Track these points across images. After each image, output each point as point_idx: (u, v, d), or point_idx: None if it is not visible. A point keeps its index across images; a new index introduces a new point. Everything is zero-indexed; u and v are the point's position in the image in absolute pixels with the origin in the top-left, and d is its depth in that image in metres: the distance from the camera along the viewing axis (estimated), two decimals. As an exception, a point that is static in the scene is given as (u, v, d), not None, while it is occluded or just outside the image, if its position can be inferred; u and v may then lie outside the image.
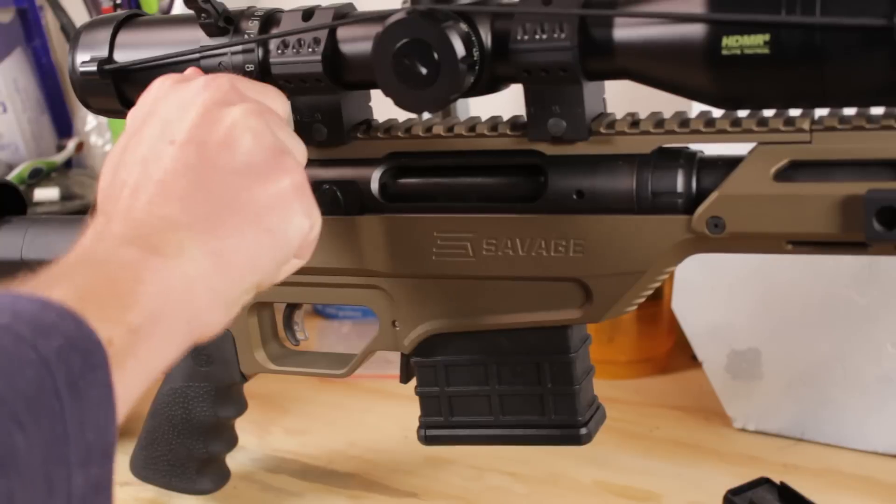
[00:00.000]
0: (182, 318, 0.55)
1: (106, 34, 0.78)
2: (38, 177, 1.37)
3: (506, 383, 0.75)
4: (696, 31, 0.60)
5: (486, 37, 0.68)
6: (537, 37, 0.65)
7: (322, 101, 0.74)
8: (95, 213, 0.62)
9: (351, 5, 0.74)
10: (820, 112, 0.63)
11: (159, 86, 0.66)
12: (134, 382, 0.51)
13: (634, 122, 0.68)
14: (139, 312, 0.52)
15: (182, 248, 0.56)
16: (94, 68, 0.77)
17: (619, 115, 0.70)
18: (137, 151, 0.61)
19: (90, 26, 0.79)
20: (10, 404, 0.44)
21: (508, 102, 0.78)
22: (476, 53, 0.67)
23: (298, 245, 0.63)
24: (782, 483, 0.78)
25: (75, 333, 0.48)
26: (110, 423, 0.48)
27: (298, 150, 0.66)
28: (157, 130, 0.62)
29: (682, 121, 0.67)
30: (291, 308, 0.85)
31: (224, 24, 0.74)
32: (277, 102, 0.68)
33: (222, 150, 0.60)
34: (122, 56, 0.77)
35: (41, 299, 0.49)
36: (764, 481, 0.79)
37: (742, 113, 0.65)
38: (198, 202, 0.58)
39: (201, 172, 0.59)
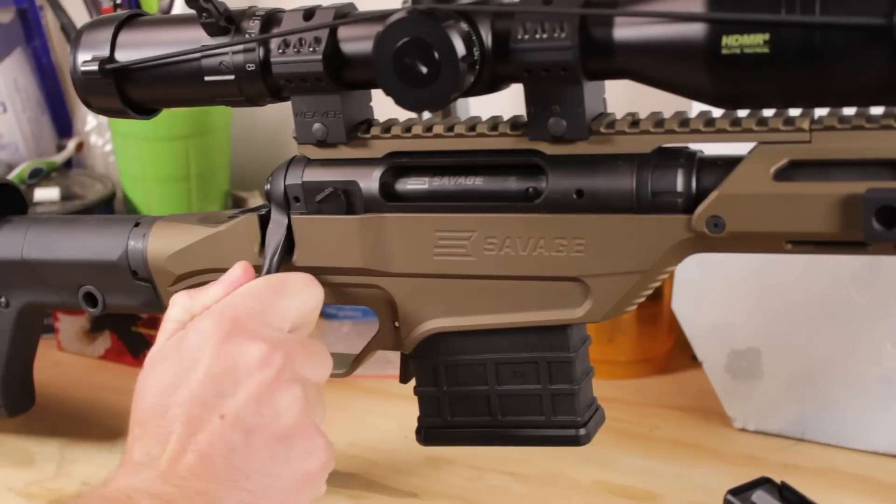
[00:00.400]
0: None
1: (107, 34, 0.78)
2: (39, 177, 1.37)
3: (505, 383, 0.75)
4: (696, 30, 0.60)
5: (487, 36, 0.68)
6: (538, 36, 0.65)
7: (322, 101, 0.74)
8: (134, 428, 0.64)
9: (352, 5, 0.74)
10: (820, 112, 0.63)
11: (212, 323, 0.65)
12: None
13: (634, 121, 0.68)
14: None
15: None
16: (95, 67, 0.77)
17: (619, 115, 0.70)
18: (184, 403, 0.63)
19: (92, 26, 0.79)
20: None
21: (509, 102, 0.78)
22: (476, 53, 0.67)
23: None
24: (783, 483, 0.78)
25: None
26: None
27: (323, 420, 0.68)
28: (207, 390, 0.63)
29: (682, 120, 0.67)
30: (291, 308, 0.85)
31: (225, 23, 0.74)
32: (321, 367, 0.69)
33: (266, 435, 0.62)
34: (124, 56, 0.77)
35: None
36: (764, 481, 0.79)
37: (742, 112, 0.65)
38: (235, 484, 0.60)
39: (243, 456, 0.61)
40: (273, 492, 0.62)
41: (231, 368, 0.64)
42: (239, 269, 0.72)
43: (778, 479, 0.79)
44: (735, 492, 0.79)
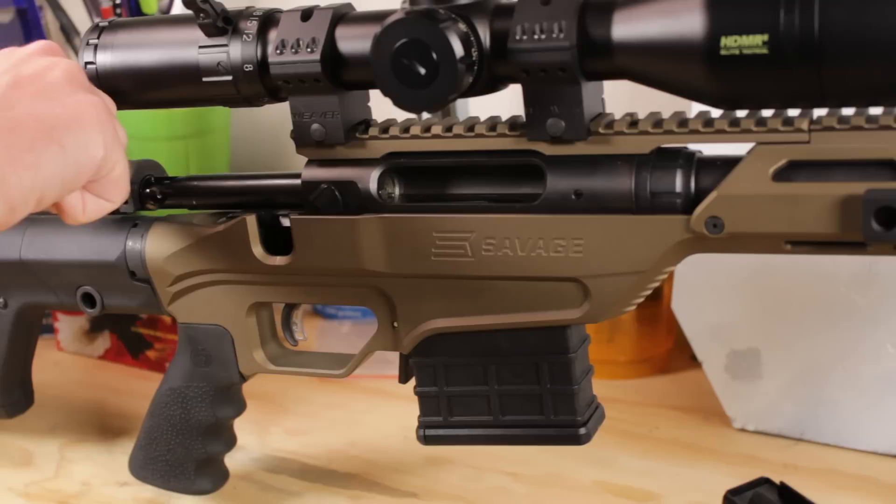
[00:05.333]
0: None
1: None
2: (39, 177, 1.37)
3: (505, 383, 0.75)
4: (695, 30, 0.60)
5: (485, 37, 0.68)
6: (536, 37, 0.65)
7: (321, 101, 0.74)
8: None
9: (350, 5, 0.74)
10: (819, 112, 0.63)
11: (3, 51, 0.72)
12: None
13: (633, 122, 0.68)
14: None
15: None
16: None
17: (617, 115, 0.69)
18: None
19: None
20: None
21: (507, 102, 0.78)
22: (475, 53, 0.67)
23: (88, 172, 0.67)
24: (782, 483, 0.78)
25: None
26: None
27: (108, 99, 0.72)
28: None
29: (681, 121, 0.67)
30: (290, 308, 0.85)
31: (223, 23, 0.74)
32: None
33: (32, 79, 0.67)
34: (123, 55, 0.77)
35: None
36: (764, 481, 0.79)
37: (741, 113, 0.65)
38: (3, 119, 0.64)
39: (7, 94, 0.65)
40: (37, 118, 0.65)
41: (9, 52, 0.71)
42: None
43: (777, 480, 0.79)
44: (734, 492, 0.79)
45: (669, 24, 0.62)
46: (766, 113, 0.65)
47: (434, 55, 0.67)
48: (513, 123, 0.71)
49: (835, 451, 0.92)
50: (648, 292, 0.70)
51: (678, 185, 0.66)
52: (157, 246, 0.84)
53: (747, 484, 0.79)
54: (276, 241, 0.79)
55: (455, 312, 0.75)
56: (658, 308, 1.08)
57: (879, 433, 0.90)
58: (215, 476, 0.90)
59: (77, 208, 0.70)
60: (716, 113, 0.66)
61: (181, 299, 0.85)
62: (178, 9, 1.25)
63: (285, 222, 0.79)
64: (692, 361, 1.05)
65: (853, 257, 0.66)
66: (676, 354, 1.11)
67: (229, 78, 0.75)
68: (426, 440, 0.79)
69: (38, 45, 0.72)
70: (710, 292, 0.94)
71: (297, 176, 0.77)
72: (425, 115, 0.81)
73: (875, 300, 0.87)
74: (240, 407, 0.88)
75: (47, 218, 0.91)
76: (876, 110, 0.62)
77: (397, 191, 0.76)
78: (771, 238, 0.64)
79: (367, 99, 0.77)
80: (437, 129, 0.72)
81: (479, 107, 0.83)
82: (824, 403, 0.92)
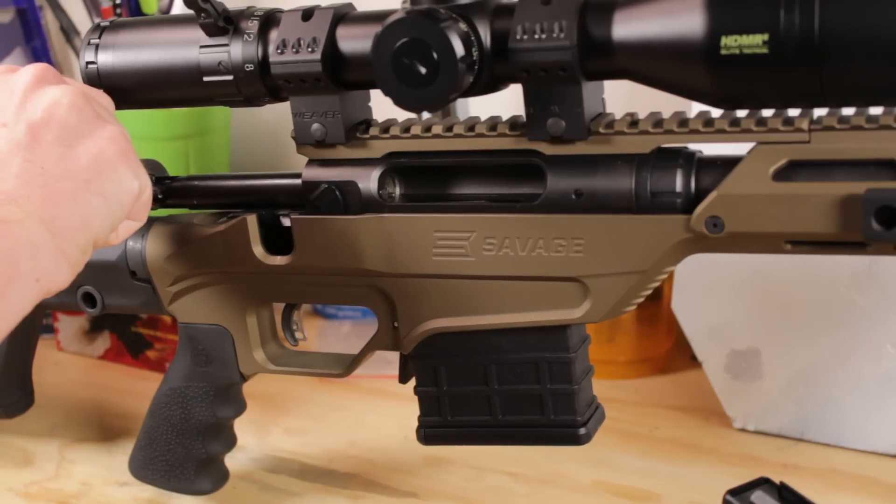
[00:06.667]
0: (30, 273, 0.61)
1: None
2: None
3: (505, 383, 0.75)
4: (695, 30, 0.60)
5: (486, 36, 0.68)
6: (536, 36, 0.65)
7: (321, 101, 0.74)
8: None
9: (350, 5, 0.74)
10: (819, 112, 0.63)
11: None
12: None
13: (633, 121, 0.68)
14: None
15: (23, 216, 0.62)
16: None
17: (618, 115, 0.69)
18: None
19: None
20: None
21: (508, 102, 0.78)
22: (475, 53, 0.67)
23: (130, 206, 0.69)
24: (782, 483, 0.78)
25: None
26: None
27: (118, 124, 0.71)
28: None
29: (681, 121, 0.67)
30: (290, 308, 0.85)
31: (224, 23, 0.74)
32: (100, 94, 0.74)
33: (46, 124, 0.66)
34: (124, 55, 0.77)
35: None
36: (763, 481, 0.79)
37: (741, 113, 0.65)
38: (31, 175, 0.64)
39: (31, 148, 0.65)
40: (71, 175, 0.65)
41: (6, 90, 0.68)
42: None
43: (777, 480, 0.79)
44: (734, 492, 0.79)
45: (670, 24, 0.62)
46: (767, 113, 0.65)
47: (435, 55, 0.67)
48: (513, 123, 0.71)
49: (835, 451, 0.92)
50: (649, 292, 0.70)
51: (678, 185, 0.66)
52: (157, 246, 0.84)
53: (747, 484, 0.79)
54: (277, 240, 0.79)
55: (455, 312, 0.75)
56: (658, 308, 1.08)
57: (879, 433, 0.90)
58: (215, 476, 0.90)
59: (112, 237, 0.71)
60: (716, 113, 0.66)
61: (181, 299, 0.85)
62: (179, 8, 1.25)
63: (286, 222, 0.79)
64: (692, 361, 1.05)
65: (853, 257, 0.66)
66: (676, 354, 1.11)
67: (230, 77, 0.75)
68: (426, 440, 0.79)
69: (31, 74, 0.69)
70: (710, 292, 0.95)
71: (298, 176, 0.77)
72: (426, 115, 0.81)
73: (875, 300, 0.87)
74: (240, 407, 0.88)
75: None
76: (876, 110, 0.62)
77: (398, 190, 0.76)
78: (771, 238, 0.64)
79: (368, 99, 0.77)
80: (437, 129, 0.73)
81: (480, 106, 0.83)
82: (824, 403, 0.92)
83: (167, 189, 0.84)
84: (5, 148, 0.65)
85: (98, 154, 0.67)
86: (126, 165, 0.69)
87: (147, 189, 0.71)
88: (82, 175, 0.66)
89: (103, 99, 0.74)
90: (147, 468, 0.89)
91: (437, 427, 0.78)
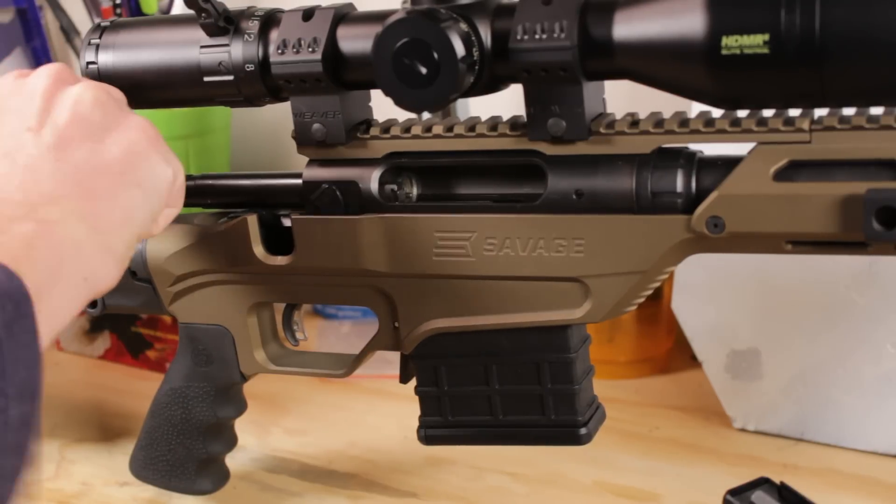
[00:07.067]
0: (77, 274, 0.61)
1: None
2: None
3: (506, 383, 0.75)
4: (696, 30, 0.60)
5: (486, 36, 0.68)
6: (537, 36, 0.65)
7: (322, 101, 0.74)
8: None
9: (351, 5, 0.74)
10: (819, 112, 0.63)
11: (3, 83, 0.69)
12: (44, 336, 0.56)
13: (634, 122, 0.68)
14: (40, 272, 0.57)
15: (64, 216, 0.61)
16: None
17: (618, 115, 0.70)
18: (1, 149, 0.65)
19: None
20: None
21: (508, 102, 0.78)
22: (476, 53, 0.67)
23: (167, 193, 0.69)
24: (782, 483, 0.78)
25: (6, 283, 0.53)
26: (38, 364, 0.54)
27: (117, 92, 0.71)
28: (12, 124, 0.66)
29: (682, 121, 0.67)
30: (291, 308, 0.85)
31: (224, 23, 0.74)
32: (112, 89, 0.72)
33: (73, 124, 0.65)
34: (125, 55, 0.77)
35: None
36: (763, 481, 0.79)
37: (742, 113, 0.65)
38: (66, 175, 0.63)
39: (61, 149, 0.64)
40: (105, 170, 0.65)
41: (24, 94, 0.67)
42: None
43: (777, 480, 0.79)
44: (734, 492, 0.79)
45: (670, 24, 0.62)
46: (767, 113, 0.65)
47: (435, 55, 0.67)
48: (514, 123, 0.71)
49: (835, 451, 0.92)
50: (649, 292, 0.70)
51: (679, 185, 0.66)
52: (157, 246, 0.84)
53: (747, 484, 0.79)
54: (278, 240, 0.79)
55: (456, 312, 0.75)
56: (658, 308, 1.08)
57: (879, 433, 0.90)
58: (216, 476, 0.90)
59: (153, 227, 0.70)
60: (717, 113, 0.66)
61: (182, 299, 0.85)
62: (179, 8, 1.25)
63: (286, 222, 0.79)
64: (692, 361, 1.05)
65: (853, 257, 0.66)
66: (676, 354, 1.11)
67: (231, 78, 0.75)
68: (427, 440, 0.79)
69: (48, 75, 0.68)
70: (710, 292, 0.95)
71: (299, 176, 0.77)
72: (426, 115, 0.81)
73: (875, 300, 0.87)
74: (241, 407, 0.88)
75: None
76: (877, 110, 0.62)
77: (415, 191, 0.76)
78: (772, 238, 0.64)
79: (369, 99, 0.77)
80: (438, 129, 0.73)
81: (480, 106, 0.83)
82: (824, 403, 0.92)
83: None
84: (35, 152, 0.64)
85: (128, 145, 0.67)
86: (157, 152, 0.68)
87: (180, 174, 0.71)
88: (116, 168, 0.65)
89: (116, 94, 0.73)
90: (148, 468, 0.89)
91: (437, 427, 0.78)
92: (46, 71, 0.69)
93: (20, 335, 0.53)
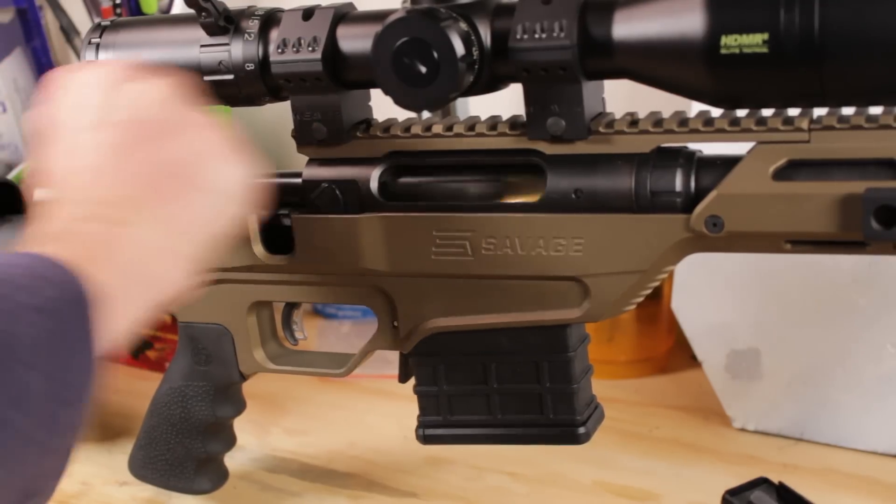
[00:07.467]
0: (150, 277, 0.59)
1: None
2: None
3: (504, 382, 0.75)
4: (695, 30, 0.60)
5: (486, 36, 0.68)
6: (537, 36, 0.65)
7: (322, 101, 0.74)
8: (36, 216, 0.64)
9: (351, 5, 0.74)
10: (818, 111, 0.63)
11: (56, 77, 0.67)
12: (108, 335, 0.55)
13: (633, 121, 0.68)
14: (112, 274, 0.55)
15: (139, 219, 0.59)
16: None
17: (618, 115, 0.70)
18: (60, 144, 0.63)
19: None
20: (21, 348, 0.49)
21: (508, 102, 0.78)
22: (475, 52, 0.67)
23: (239, 194, 0.66)
24: (781, 483, 0.78)
25: (67, 284, 0.52)
26: (90, 370, 0.53)
27: (208, 115, 0.68)
28: (71, 120, 0.64)
29: (681, 120, 0.67)
30: (290, 307, 0.85)
31: (224, 23, 0.74)
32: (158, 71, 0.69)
33: (136, 123, 0.63)
34: (125, 55, 0.78)
35: (39, 255, 0.53)
36: (762, 481, 0.79)
37: (741, 112, 0.65)
38: (133, 176, 0.61)
39: (127, 149, 0.62)
40: (173, 172, 0.62)
41: (80, 88, 0.65)
42: None
43: (777, 479, 0.79)
44: (733, 492, 0.79)
45: (670, 24, 0.62)
46: (767, 112, 0.65)
47: (435, 54, 0.67)
48: (513, 122, 0.71)
49: (835, 451, 0.92)
50: (649, 291, 0.70)
51: (678, 185, 0.66)
52: (157, 245, 0.84)
53: (746, 484, 0.79)
54: (277, 240, 0.79)
55: (455, 312, 0.75)
56: (658, 308, 1.08)
57: (879, 433, 0.90)
58: (215, 476, 0.90)
59: (230, 229, 0.67)
60: (716, 112, 0.66)
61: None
62: (179, 8, 1.25)
63: (286, 221, 0.79)
64: (692, 361, 1.05)
65: (853, 257, 0.66)
66: (676, 354, 1.11)
67: (231, 77, 0.75)
68: (426, 440, 0.79)
69: (109, 71, 0.65)
70: (710, 292, 0.95)
71: (298, 175, 0.77)
72: (426, 115, 0.81)
73: (875, 300, 0.87)
74: (240, 406, 0.88)
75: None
76: (876, 109, 0.62)
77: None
78: (771, 237, 0.64)
79: (368, 98, 0.77)
80: (437, 128, 0.73)
81: (479, 106, 0.83)
82: (824, 403, 0.92)
83: None
84: (99, 152, 0.62)
85: (195, 146, 0.64)
86: (226, 153, 0.65)
87: (252, 174, 0.67)
88: (182, 170, 0.63)
89: (186, 92, 0.68)
90: (147, 467, 0.89)
91: (436, 427, 0.78)
92: (111, 66, 0.66)
93: (75, 340, 0.52)
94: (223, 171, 0.65)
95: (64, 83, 0.66)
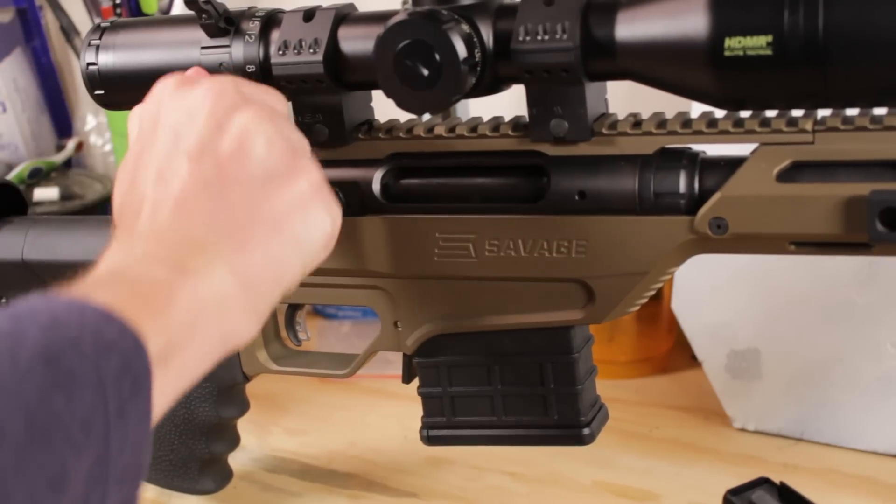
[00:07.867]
0: (214, 333, 0.55)
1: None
2: (38, 177, 1.37)
3: (508, 384, 0.75)
4: (699, 31, 0.60)
5: (488, 37, 0.68)
6: (539, 38, 0.65)
7: (323, 102, 0.74)
8: (115, 225, 0.62)
9: (352, 6, 0.74)
10: (823, 113, 0.63)
11: (162, 89, 0.64)
12: (163, 398, 0.51)
13: (636, 122, 0.68)
14: (173, 330, 0.52)
15: (210, 268, 0.55)
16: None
17: (621, 116, 0.70)
18: (151, 165, 0.60)
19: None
20: (69, 427, 0.45)
21: (510, 103, 0.78)
22: (478, 54, 0.67)
23: (322, 247, 0.63)
24: (782, 483, 0.78)
25: (132, 354, 0.48)
26: (146, 444, 0.49)
27: (307, 147, 0.65)
28: (168, 141, 0.60)
29: (685, 121, 0.67)
30: (293, 308, 0.85)
31: (225, 24, 0.74)
32: (279, 103, 0.67)
33: (236, 160, 0.59)
34: (125, 56, 0.77)
35: (105, 312, 0.48)
36: (763, 481, 0.79)
37: (744, 113, 0.65)
38: (220, 219, 0.57)
39: (219, 187, 0.58)
40: (263, 218, 0.59)
41: (184, 110, 0.61)
42: None
43: (777, 479, 0.79)
44: (734, 492, 0.79)
45: (673, 25, 0.62)
46: (770, 113, 0.65)
47: (437, 56, 0.67)
48: (516, 124, 0.71)
49: (835, 451, 0.92)
50: (652, 293, 0.70)
51: (682, 186, 0.66)
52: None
53: (747, 484, 0.79)
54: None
55: (459, 313, 0.74)
56: (658, 308, 1.08)
57: (879, 433, 0.91)
58: (218, 476, 0.90)
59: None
60: (719, 114, 0.66)
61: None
62: (179, 9, 1.25)
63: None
64: (692, 361, 1.05)
65: (853, 257, 0.66)
66: (676, 354, 1.11)
67: (231, 78, 0.75)
68: (430, 441, 0.79)
69: (215, 93, 0.61)
70: (710, 292, 0.95)
71: None
72: (428, 116, 0.81)
73: (875, 300, 0.87)
74: (243, 407, 0.88)
75: (50, 219, 0.91)
76: (880, 111, 0.62)
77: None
78: (775, 239, 0.64)
79: (370, 99, 0.77)
80: (440, 130, 0.73)
81: (482, 107, 0.83)
82: (824, 403, 0.92)
83: None
84: (188, 182, 0.58)
85: (292, 194, 0.60)
86: (321, 201, 0.62)
87: (338, 220, 0.64)
88: (275, 219, 0.59)
89: (293, 134, 0.64)
90: (150, 468, 0.89)
91: (440, 428, 0.78)
92: (216, 85, 0.62)
93: (132, 416, 0.48)
94: (314, 222, 0.61)
95: (180, 94, 0.62)
